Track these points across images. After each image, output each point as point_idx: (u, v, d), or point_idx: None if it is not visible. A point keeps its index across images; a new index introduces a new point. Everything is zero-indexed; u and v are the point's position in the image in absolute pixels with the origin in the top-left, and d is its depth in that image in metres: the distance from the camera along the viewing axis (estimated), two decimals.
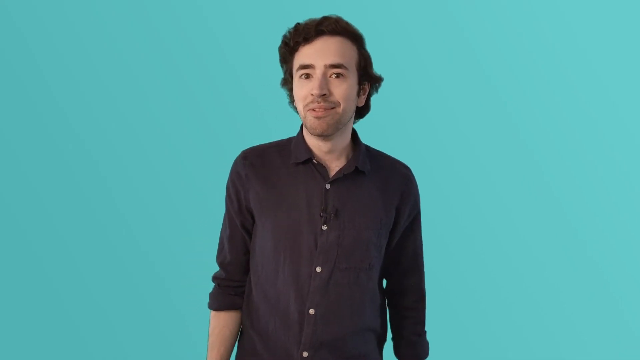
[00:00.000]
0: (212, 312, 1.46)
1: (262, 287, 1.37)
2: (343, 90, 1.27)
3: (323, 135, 1.30)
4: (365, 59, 1.34)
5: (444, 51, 2.78)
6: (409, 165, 1.47)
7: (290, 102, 1.40)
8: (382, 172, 1.39)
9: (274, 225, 1.33)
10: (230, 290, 1.43)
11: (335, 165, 1.35)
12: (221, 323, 1.43)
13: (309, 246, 1.31)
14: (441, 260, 2.77)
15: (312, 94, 1.25)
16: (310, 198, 1.32)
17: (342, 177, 1.34)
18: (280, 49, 1.35)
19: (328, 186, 1.33)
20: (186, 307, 2.75)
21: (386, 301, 1.50)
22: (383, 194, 1.37)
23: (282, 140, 1.42)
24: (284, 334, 1.34)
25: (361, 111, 1.39)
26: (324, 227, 1.31)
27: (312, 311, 1.32)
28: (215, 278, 1.48)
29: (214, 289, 1.48)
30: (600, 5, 2.72)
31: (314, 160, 1.34)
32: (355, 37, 1.32)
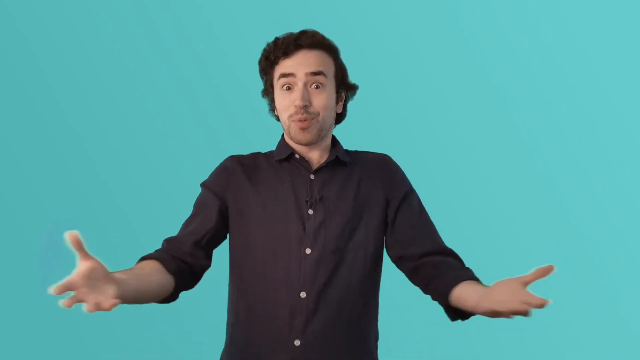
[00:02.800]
0: (137, 265, 1.33)
1: (252, 278, 1.38)
2: (322, 100, 1.34)
3: (308, 144, 1.37)
4: (342, 69, 1.41)
5: (444, 51, 2.79)
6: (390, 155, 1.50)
7: (270, 111, 1.45)
8: (361, 162, 1.45)
9: (262, 217, 1.37)
10: (168, 252, 1.35)
11: (316, 161, 1.41)
12: (142, 265, 1.31)
13: (298, 231, 1.35)
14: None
15: (295, 105, 1.31)
16: (296, 188, 1.38)
17: (325, 166, 1.39)
18: (260, 62, 1.41)
19: (312, 176, 1.39)
20: (186, 308, 2.75)
21: (423, 280, 1.39)
22: (367, 179, 1.42)
23: (267, 152, 1.46)
24: (276, 320, 1.34)
25: (339, 117, 1.46)
26: (310, 212, 1.36)
27: (303, 294, 1.33)
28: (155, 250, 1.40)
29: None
30: (600, 5, 2.73)
31: (296, 155, 1.39)
32: (331, 49, 1.38)
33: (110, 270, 1.14)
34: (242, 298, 1.39)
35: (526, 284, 1.14)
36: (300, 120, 1.32)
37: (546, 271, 1.09)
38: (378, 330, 1.46)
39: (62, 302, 0.97)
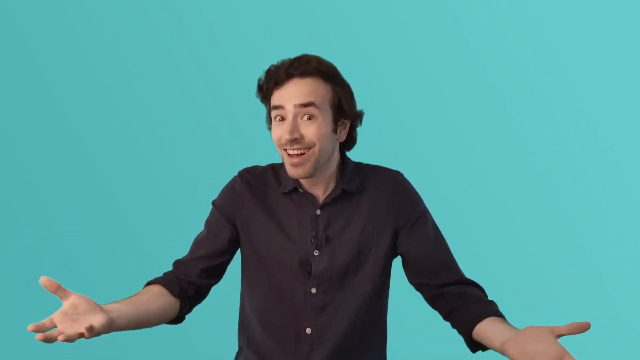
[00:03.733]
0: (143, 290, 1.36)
1: (257, 308, 1.38)
2: (314, 130, 1.27)
3: (304, 178, 1.32)
4: (340, 95, 1.32)
5: (443, 51, 2.78)
6: (401, 171, 1.46)
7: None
8: (372, 187, 1.39)
9: (269, 250, 1.36)
10: (175, 275, 1.38)
11: (322, 192, 1.37)
12: (144, 290, 1.35)
13: (303, 272, 1.34)
14: None
15: (285, 139, 1.28)
16: (301, 224, 1.35)
17: (331, 201, 1.35)
18: (256, 93, 1.38)
19: (318, 212, 1.35)
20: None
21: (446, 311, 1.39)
22: (374, 205, 1.37)
23: (277, 164, 1.43)
24: (281, 354, 1.35)
25: (347, 144, 1.40)
26: (316, 253, 1.34)
27: (308, 330, 1.34)
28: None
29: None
30: (600, 5, 2.73)
31: (300, 190, 1.36)
32: (327, 76, 1.31)
33: (114, 299, 1.16)
34: (253, 316, 1.39)
35: (559, 336, 1.11)
36: (291, 155, 1.28)
37: (582, 328, 1.08)
38: (386, 355, 1.45)
39: (38, 336, 1.02)
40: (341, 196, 1.36)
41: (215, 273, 1.41)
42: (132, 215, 2.86)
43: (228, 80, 2.82)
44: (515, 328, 1.22)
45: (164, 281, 1.36)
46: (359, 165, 1.43)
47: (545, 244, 2.80)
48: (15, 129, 2.85)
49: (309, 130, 1.27)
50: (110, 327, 1.10)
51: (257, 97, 1.38)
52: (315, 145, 1.28)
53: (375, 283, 1.39)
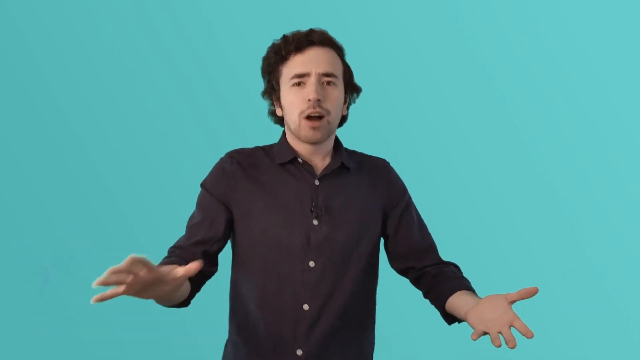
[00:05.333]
0: None
1: (253, 288, 1.36)
2: (335, 97, 1.31)
3: (317, 144, 1.33)
4: (349, 70, 1.38)
5: (443, 51, 2.78)
6: (391, 162, 1.49)
7: (270, 113, 1.42)
8: (364, 167, 1.42)
9: (266, 225, 1.34)
10: (182, 259, 1.32)
11: (320, 164, 1.38)
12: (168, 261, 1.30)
13: (302, 242, 1.33)
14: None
15: (309, 99, 1.29)
16: (300, 195, 1.35)
17: (330, 172, 1.36)
18: (267, 58, 1.36)
19: (317, 182, 1.36)
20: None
21: (424, 284, 1.45)
22: (370, 187, 1.41)
23: (265, 145, 1.44)
24: (278, 331, 1.34)
25: (341, 121, 1.42)
26: (315, 222, 1.34)
27: (306, 307, 1.33)
28: (163, 259, 1.36)
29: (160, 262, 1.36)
30: (600, 5, 2.73)
31: (299, 159, 1.36)
32: (340, 49, 1.36)
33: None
34: (248, 301, 1.37)
35: (512, 302, 1.20)
36: (311, 118, 1.29)
37: (530, 293, 1.17)
38: (374, 337, 1.45)
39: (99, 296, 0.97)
40: (339, 170, 1.37)
41: (213, 259, 1.37)
42: (132, 216, 2.86)
43: (228, 80, 2.82)
44: (479, 298, 1.30)
45: (181, 265, 1.30)
46: (348, 149, 1.46)
47: (542, 239, 2.80)
48: (15, 129, 2.85)
49: (330, 97, 1.30)
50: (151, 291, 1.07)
51: (265, 63, 1.36)
52: (330, 113, 1.31)
53: (370, 261, 1.42)
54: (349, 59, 1.47)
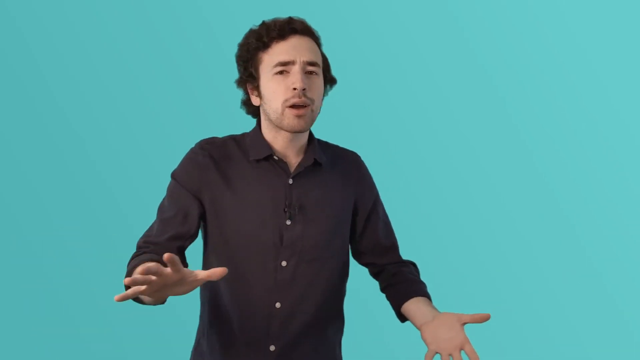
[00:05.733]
0: (136, 269, 1.20)
1: (225, 286, 1.35)
2: (318, 86, 1.31)
3: (299, 132, 1.31)
4: (327, 61, 1.37)
5: (443, 51, 2.78)
6: (358, 153, 1.50)
7: (243, 103, 1.43)
8: (335, 161, 1.42)
9: (238, 222, 1.32)
10: (157, 253, 1.30)
11: (294, 160, 1.37)
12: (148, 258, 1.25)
13: (274, 241, 1.32)
14: (441, 260, 2.77)
15: (295, 88, 1.26)
16: (273, 194, 1.33)
17: (303, 170, 1.35)
18: (245, 45, 1.37)
19: (291, 181, 1.35)
20: (185, 307, 2.75)
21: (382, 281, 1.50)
22: (340, 182, 1.41)
23: (236, 135, 1.42)
24: (251, 329, 1.34)
25: None
26: (288, 222, 1.32)
27: (278, 305, 1.33)
28: (135, 253, 1.33)
29: (133, 259, 1.32)
30: (600, 5, 2.73)
31: (275, 157, 1.35)
32: (318, 39, 1.36)
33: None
34: (220, 297, 1.36)
35: (464, 323, 1.24)
36: (296, 106, 1.28)
37: (483, 318, 1.21)
38: (343, 328, 1.49)
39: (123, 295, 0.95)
40: (312, 167, 1.37)
41: (184, 255, 1.36)
42: (132, 216, 2.86)
43: (227, 79, 2.82)
44: (435, 310, 1.33)
45: (158, 261, 1.25)
46: (319, 140, 1.45)
47: (543, 241, 2.80)
48: (15, 129, 2.85)
49: (314, 86, 1.29)
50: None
51: (242, 50, 1.37)
52: (313, 102, 1.30)
53: (342, 258, 1.42)
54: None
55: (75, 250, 2.87)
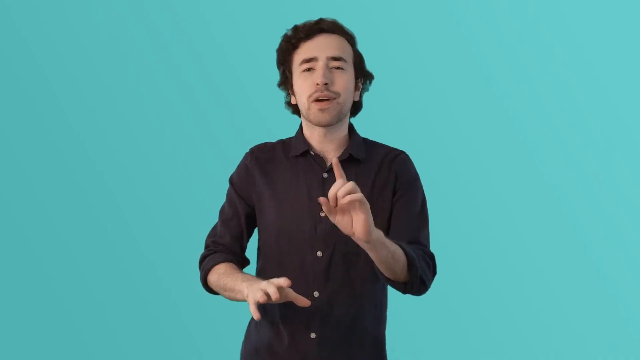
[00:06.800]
0: (215, 267, 1.44)
1: (269, 275, 1.39)
2: (344, 80, 1.36)
3: (327, 125, 1.39)
4: (360, 57, 1.44)
5: (443, 51, 2.78)
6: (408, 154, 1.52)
7: (286, 103, 1.49)
8: (377, 157, 1.45)
9: (276, 215, 1.41)
10: (230, 254, 1.48)
11: (332, 156, 1.43)
12: (229, 265, 1.43)
13: (310, 233, 1.39)
14: (441, 260, 2.77)
15: (317, 84, 1.34)
16: (309, 187, 1.40)
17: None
18: (280, 48, 1.43)
19: (326, 175, 1.41)
20: (185, 307, 2.76)
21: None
22: (379, 178, 1.43)
23: (287, 138, 1.50)
24: (292, 318, 1.40)
25: (355, 108, 1.48)
26: (322, 214, 1.38)
27: (316, 294, 1.39)
28: (208, 251, 1.50)
29: (207, 257, 1.49)
30: (600, 5, 2.73)
31: (311, 152, 1.42)
32: (350, 37, 1.42)
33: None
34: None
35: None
36: (320, 100, 1.35)
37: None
38: (385, 331, 1.51)
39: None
40: (349, 161, 1.41)
41: (245, 250, 1.50)
42: (132, 216, 2.86)
43: (227, 79, 2.82)
44: (387, 242, 1.28)
45: (229, 259, 1.45)
46: (365, 139, 1.50)
47: (543, 241, 2.80)
48: (15, 129, 2.85)
49: (339, 80, 1.35)
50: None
51: (278, 53, 1.43)
52: (340, 95, 1.36)
53: None
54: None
55: (75, 250, 2.87)
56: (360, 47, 1.46)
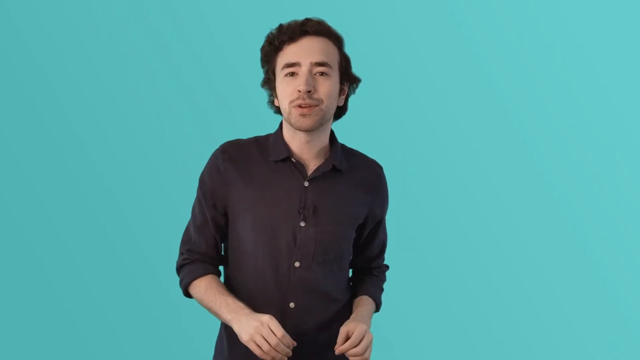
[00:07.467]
0: (195, 282, 1.44)
1: (242, 283, 1.41)
2: (327, 87, 1.32)
3: (308, 131, 1.34)
4: (346, 60, 1.40)
5: (442, 51, 2.78)
6: (381, 164, 1.53)
7: (269, 102, 1.46)
8: (357, 169, 1.45)
9: (253, 221, 1.37)
10: (207, 262, 1.45)
11: (313, 164, 1.39)
12: (208, 280, 1.42)
13: (288, 242, 1.36)
14: (440, 261, 2.77)
15: (299, 90, 1.30)
16: (289, 195, 1.37)
17: (321, 175, 1.38)
18: (263, 48, 1.39)
19: (307, 184, 1.37)
20: (185, 307, 2.75)
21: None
22: (357, 190, 1.43)
23: (260, 136, 1.46)
24: None
25: (339, 112, 1.44)
26: (302, 224, 1.36)
27: (292, 305, 1.38)
28: (184, 260, 1.48)
29: (184, 267, 1.48)
30: (600, 5, 2.73)
31: (292, 159, 1.38)
32: (336, 39, 1.38)
33: None
34: (237, 294, 1.40)
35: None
36: (302, 106, 1.30)
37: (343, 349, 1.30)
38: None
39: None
40: (331, 172, 1.39)
41: (221, 254, 1.48)
42: (132, 216, 2.86)
43: (227, 79, 2.82)
44: (360, 314, 1.43)
45: (209, 270, 1.44)
46: (343, 146, 1.48)
47: (543, 241, 2.80)
48: (15, 129, 2.85)
49: (322, 87, 1.31)
50: None
51: (262, 53, 1.40)
52: (323, 102, 1.32)
53: (349, 260, 1.49)
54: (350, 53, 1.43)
55: (75, 250, 2.87)
56: (350, 47, 1.41)
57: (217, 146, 1.47)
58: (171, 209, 2.82)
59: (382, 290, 1.56)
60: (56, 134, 2.81)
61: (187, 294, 1.47)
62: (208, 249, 1.44)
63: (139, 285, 2.81)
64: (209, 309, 1.38)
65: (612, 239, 2.76)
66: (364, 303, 1.47)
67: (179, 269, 1.48)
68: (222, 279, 1.48)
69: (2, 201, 2.82)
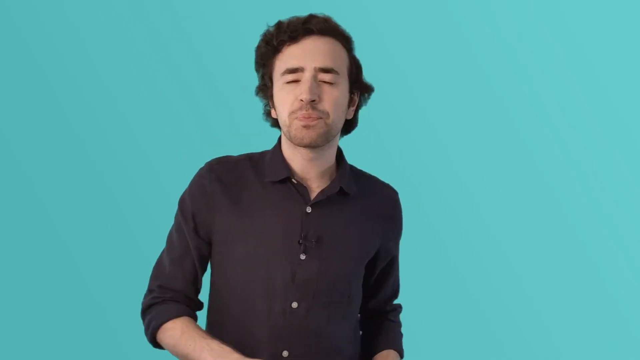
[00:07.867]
0: (166, 325, 1.18)
1: (227, 328, 1.18)
2: (334, 97, 1.11)
3: (311, 147, 1.13)
4: (357, 65, 1.19)
5: (442, 52, 2.78)
6: (396, 188, 1.34)
7: (265, 114, 1.24)
8: (368, 195, 1.23)
9: (244, 254, 1.16)
10: (181, 303, 1.21)
11: (316, 185, 1.18)
12: (184, 322, 1.17)
13: (284, 278, 1.13)
14: (440, 261, 2.77)
15: (301, 100, 1.09)
16: (287, 222, 1.15)
17: (326, 199, 1.16)
18: (258, 49, 1.17)
19: (309, 209, 1.16)
20: None
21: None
22: (369, 219, 1.22)
23: (255, 153, 1.24)
24: None
25: (348, 126, 1.22)
26: (303, 257, 1.14)
27: (285, 353, 1.15)
28: (153, 299, 1.24)
29: (152, 307, 1.23)
30: (600, 5, 2.72)
31: (293, 180, 1.17)
32: (345, 40, 1.17)
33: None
34: (223, 336, 1.18)
35: None
36: (304, 117, 1.09)
37: None
38: None
39: None
40: (338, 196, 1.18)
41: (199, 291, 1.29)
42: (132, 216, 2.86)
43: (227, 79, 2.82)
44: None
45: (191, 315, 1.20)
46: (352, 168, 1.26)
47: (543, 242, 2.80)
48: (15, 129, 2.85)
49: (328, 96, 1.10)
50: None
51: (257, 55, 1.17)
52: (329, 116, 1.10)
53: (359, 301, 1.27)
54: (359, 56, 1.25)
55: (74, 250, 2.87)
56: (360, 50, 1.20)
57: (217, 148, 1.29)
58: (171, 209, 2.81)
59: (400, 334, 1.38)
60: (55, 134, 2.81)
61: (155, 342, 1.22)
62: (185, 286, 1.20)
63: (138, 285, 2.80)
64: (185, 357, 1.12)
65: (612, 239, 2.75)
66: None
67: (145, 310, 1.25)
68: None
69: (2, 201, 2.82)
